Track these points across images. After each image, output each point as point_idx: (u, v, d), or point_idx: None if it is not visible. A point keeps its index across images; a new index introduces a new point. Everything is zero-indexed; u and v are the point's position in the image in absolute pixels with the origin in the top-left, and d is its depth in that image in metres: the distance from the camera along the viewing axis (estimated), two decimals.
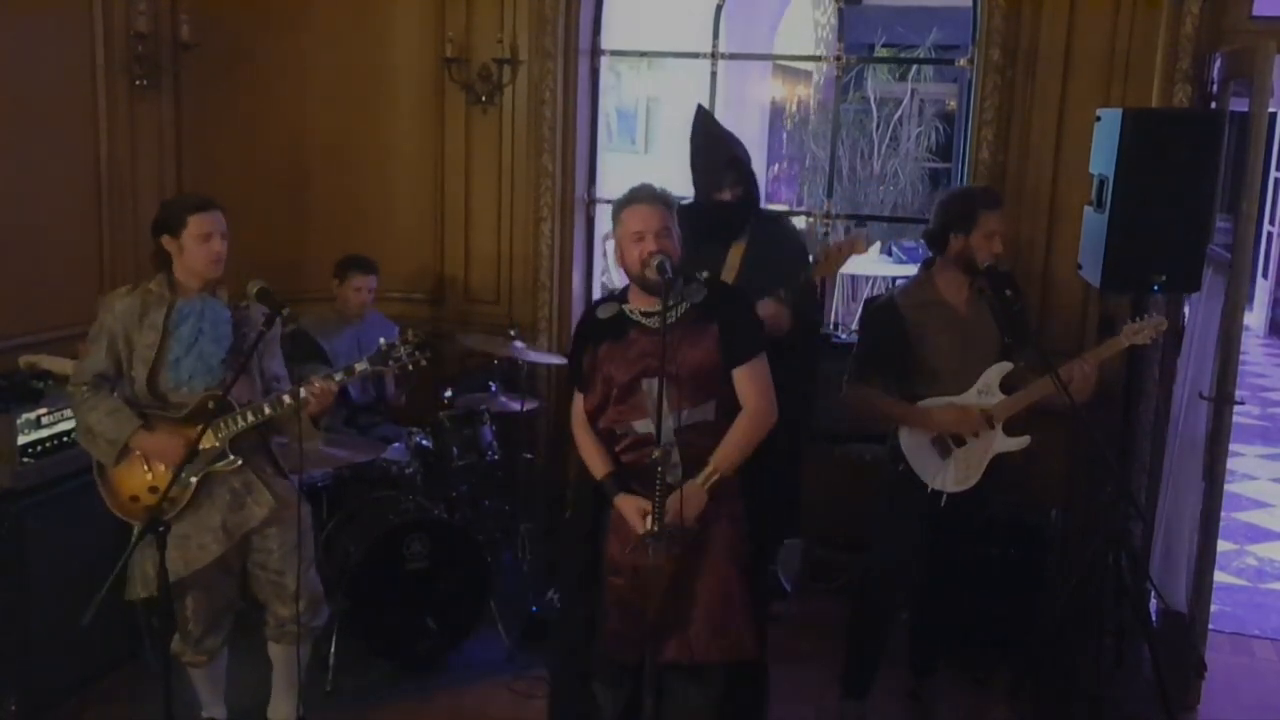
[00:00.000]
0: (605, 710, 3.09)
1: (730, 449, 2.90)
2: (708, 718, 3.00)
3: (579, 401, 3.04)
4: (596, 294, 5.15)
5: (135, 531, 3.12)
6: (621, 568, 2.94)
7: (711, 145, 3.78)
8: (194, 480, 3.13)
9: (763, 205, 4.19)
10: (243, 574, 3.33)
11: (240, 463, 3.19)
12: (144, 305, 3.14)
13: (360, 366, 3.22)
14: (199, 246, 3.11)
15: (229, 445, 3.16)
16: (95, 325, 3.17)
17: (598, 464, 2.99)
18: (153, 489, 3.14)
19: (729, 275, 3.65)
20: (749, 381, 2.94)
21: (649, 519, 2.77)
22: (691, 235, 3.57)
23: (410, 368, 3.19)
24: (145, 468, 3.15)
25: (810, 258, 3.79)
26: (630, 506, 2.90)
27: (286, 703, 3.48)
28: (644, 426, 2.89)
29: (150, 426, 3.12)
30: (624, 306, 2.97)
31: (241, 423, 3.14)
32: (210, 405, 3.09)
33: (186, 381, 3.14)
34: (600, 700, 3.09)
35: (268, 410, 3.16)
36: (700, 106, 4.01)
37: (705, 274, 3.53)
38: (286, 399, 3.17)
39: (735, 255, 3.67)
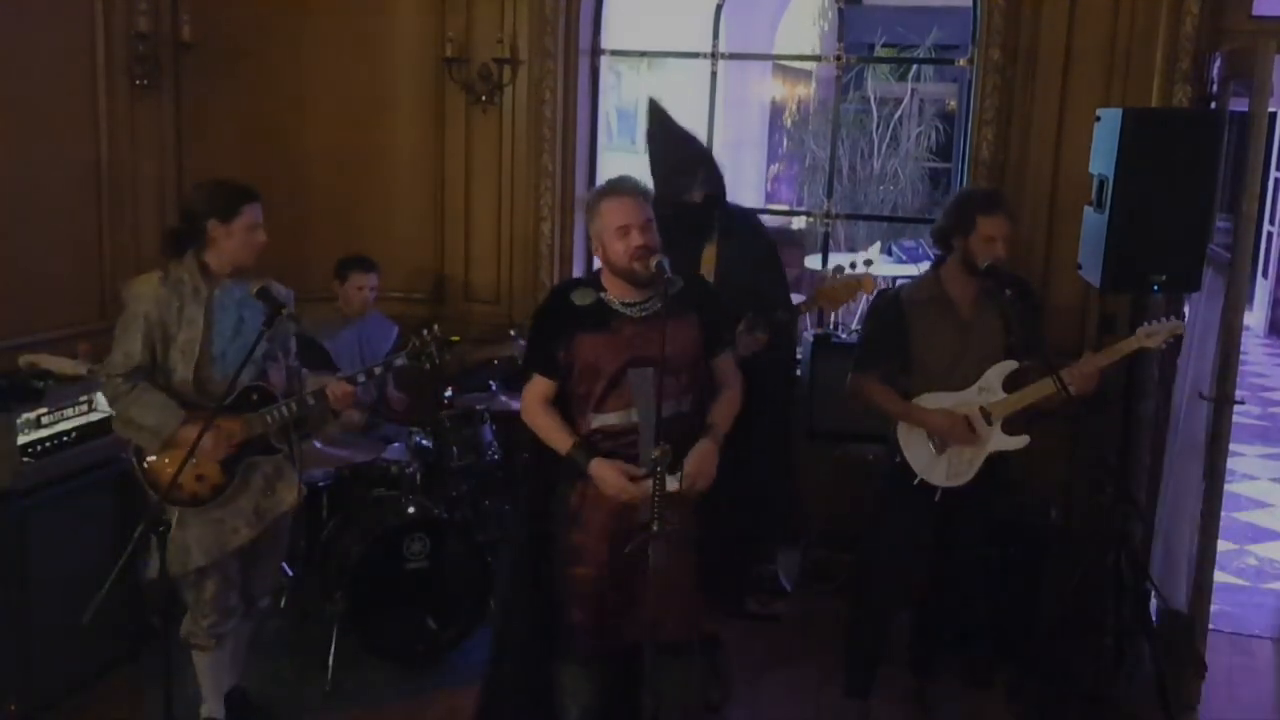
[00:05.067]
0: (579, 695, 3.08)
1: (726, 412, 3.01)
2: (694, 690, 3.15)
3: (537, 386, 2.97)
4: None
5: (169, 516, 3.16)
6: (587, 558, 2.94)
7: (675, 145, 3.67)
8: (239, 469, 3.19)
9: (734, 201, 4.08)
10: (252, 553, 3.37)
11: (285, 450, 3.26)
12: (179, 297, 3.13)
13: (399, 361, 3.33)
14: (246, 236, 3.14)
15: (274, 436, 3.22)
16: (127, 314, 3.15)
17: (561, 438, 2.91)
18: (199, 477, 3.15)
19: (706, 277, 3.60)
20: (729, 368, 3.08)
21: (647, 496, 2.74)
22: (663, 239, 3.58)
23: (437, 362, 3.32)
24: (193, 459, 3.16)
25: (780, 266, 3.81)
26: (610, 471, 2.84)
27: (233, 670, 3.53)
28: (624, 417, 2.88)
29: (194, 418, 3.11)
30: (602, 295, 2.93)
31: (286, 414, 3.19)
32: (254, 397, 3.16)
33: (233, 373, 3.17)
34: (570, 685, 3.08)
35: (311, 401, 3.23)
36: (653, 102, 3.82)
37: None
38: (310, 399, 3.25)
39: (709, 256, 3.63)
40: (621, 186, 2.90)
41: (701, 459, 2.88)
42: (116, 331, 3.17)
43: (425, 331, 3.32)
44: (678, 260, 3.55)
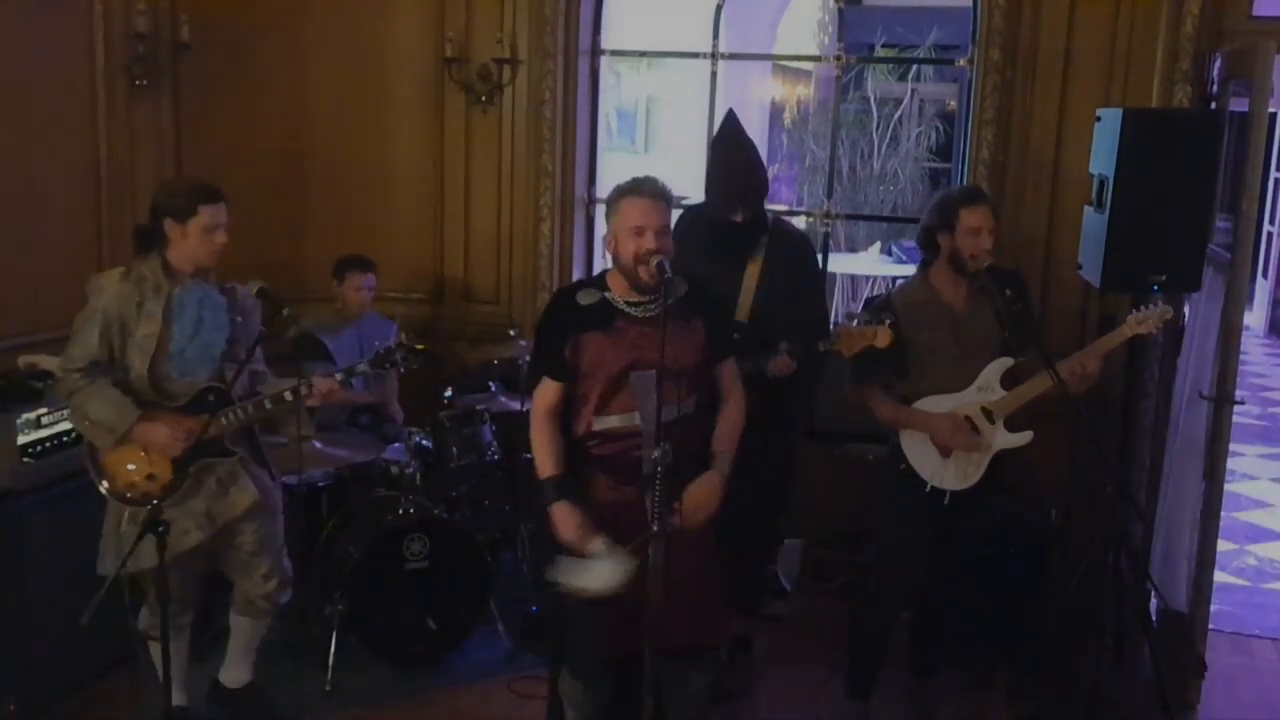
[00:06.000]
0: (583, 708, 3.08)
1: (731, 436, 2.98)
2: (708, 697, 3.13)
3: (546, 391, 2.95)
4: None
5: (120, 514, 3.19)
6: None
7: (731, 163, 3.65)
8: (192, 470, 3.16)
9: (778, 215, 4.07)
10: (212, 554, 3.37)
11: (239, 454, 3.23)
12: (140, 293, 3.13)
13: (361, 367, 3.31)
14: (204, 237, 3.12)
15: (228, 438, 3.20)
16: (86, 309, 3.14)
17: (547, 463, 2.90)
18: (150, 476, 3.15)
19: (747, 293, 3.61)
20: (730, 376, 3.05)
21: (595, 541, 2.77)
22: (706, 249, 3.55)
23: (402, 369, 3.30)
24: (142, 455, 3.16)
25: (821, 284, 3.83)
26: (567, 518, 2.83)
27: (242, 666, 3.55)
28: (627, 420, 2.86)
29: (150, 416, 3.13)
30: (606, 294, 2.92)
31: (242, 415, 3.17)
32: (211, 398, 3.14)
33: (191, 372, 3.16)
34: (572, 696, 3.08)
35: (268, 405, 3.20)
36: (731, 113, 3.83)
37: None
38: (287, 395, 3.22)
39: (752, 272, 3.62)
40: (643, 187, 2.88)
41: (703, 491, 2.87)
42: (75, 325, 3.15)
43: (397, 336, 3.32)
44: (719, 274, 3.54)
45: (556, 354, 2.90)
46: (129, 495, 3.17)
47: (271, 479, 3.45)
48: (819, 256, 5.13)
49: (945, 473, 3.41)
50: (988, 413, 3.38)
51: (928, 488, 3.41)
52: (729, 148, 3.69)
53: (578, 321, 2.89)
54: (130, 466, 3.17)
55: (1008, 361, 3.40)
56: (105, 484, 3.20)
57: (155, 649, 3.33)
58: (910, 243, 8.83)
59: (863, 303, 4.27)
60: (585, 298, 2.91)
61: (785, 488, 3.84)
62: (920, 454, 3.43)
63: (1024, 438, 3.41)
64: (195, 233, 3.11)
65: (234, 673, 3.56)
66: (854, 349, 3.31)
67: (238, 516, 3.27)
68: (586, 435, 2.92)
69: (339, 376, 3.29)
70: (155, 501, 3.02)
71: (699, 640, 2.98)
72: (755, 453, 3.60)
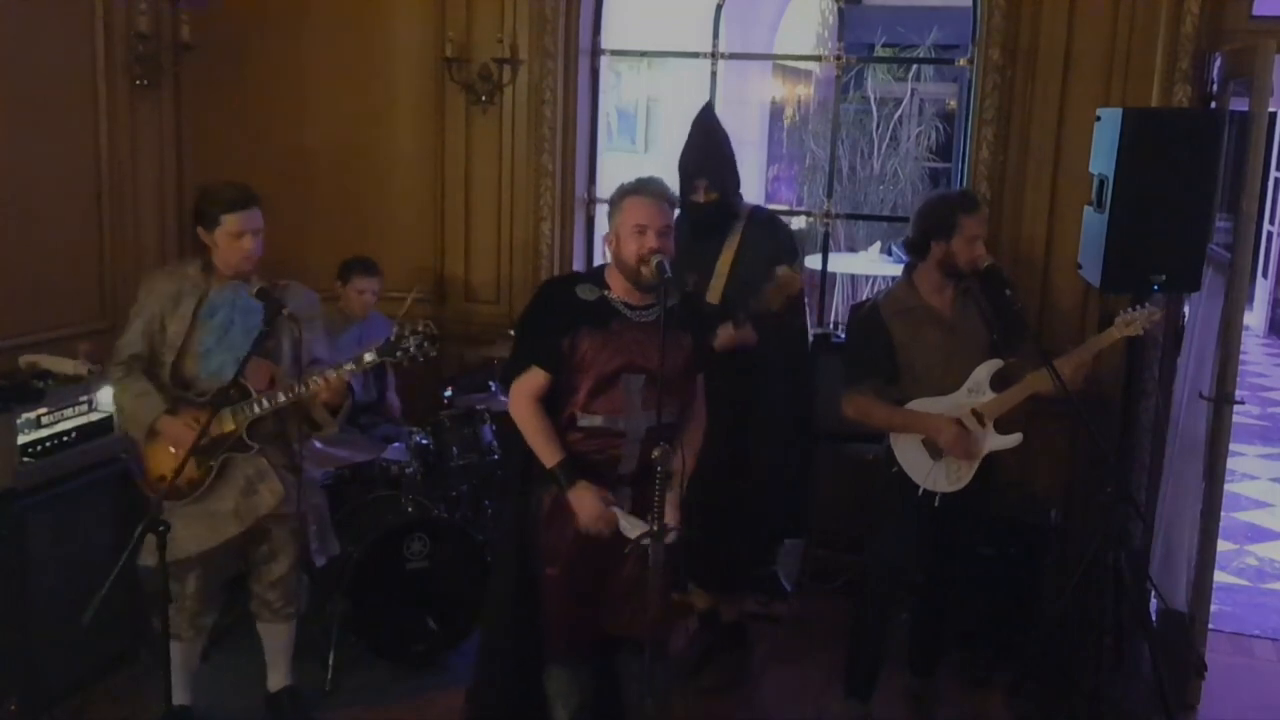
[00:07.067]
0: (570, 696, 3.08)
1: (694, 455, 2.98)
2: (669, 685, 3.19)
3: (533, 380, 2.92)
4: None
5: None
6: (559, 560, 2.95)
7: (694, 145, 3.75)
8: (214, 464, 3.20)
9: (759, 204, 4.15)
10: (240, 552, 3.42)
11: (257, 449, 3.26)
12: (179, 291, 3.23)
13: (369, 356, 3.23)
14: (230, 244, 3.19)
15: (246, 432, 3.22)
16: (137, 304, 3.27)
17: (549, 451, 2.88)
18: (179, 471, 3.16)
19: (721, 274, 3.66)
20: (700, 391, 3.07)
21: (613, 517, 2.80)
22: (685, 236, 3.60)
23: (421, 359, 3.19)
24: (171, 451, 3.21)
25: (797, 260, 3.88)
26: (589, 500, 2.84)
27: (276, 671, 3.60)
28: (611, 422, 2.87)
29: (175, 411, 3.18)
30: (605, 293, 2.91)
31: (258, 409, 3.20)
32: (232, 392, 3.18)
33: (216, 372, 3.21)
34: (559, 686, 3.08)
35: (282, 398, 3.22)
36: (707, 104, 3.97)
37: (694, 278, 3.58)
38: (297, 388, 3.23)
39: (727, 257, 3.67)
40: (648, 187, 2.89)
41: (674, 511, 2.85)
42: (129, 317, 3.29)
43: (406, 326, 3.24)
44: (696, 257, 3.58)
45: (554, 346, 2.88)
46: (160, 489, 3.17)
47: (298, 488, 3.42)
48: (820, 255, 5.15)
49: (936, 475, 3.40)
50: (978, 415, 3.37)
51: (919, 491, 3.41)
52: (695, 131, 3.78)
53: (579, 316, 2.87)
54: (163, 461, 3.24)
55: (997, 363, 3.40)
56: (142, 476, 3.28)
57: (176, 648, 3.35)
58: None
59: (850, 309, 4.32)
60: (586, 293, 2.91)
61: (750, 467, 3.80)
62: (911, 457, 3.43)
63: (1013, 439, 3.40)
64: (223, 240, 3.19)
65: (271, 677, 3.61)
66: (776, 301, 3.49)
67: (266, 514, 3.30)
68: (567, 427, 2.92)
69: (349, 366, 3.27)
70: (185, 496, 3.20)
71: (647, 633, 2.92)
72: (724, 431, 3.62)
